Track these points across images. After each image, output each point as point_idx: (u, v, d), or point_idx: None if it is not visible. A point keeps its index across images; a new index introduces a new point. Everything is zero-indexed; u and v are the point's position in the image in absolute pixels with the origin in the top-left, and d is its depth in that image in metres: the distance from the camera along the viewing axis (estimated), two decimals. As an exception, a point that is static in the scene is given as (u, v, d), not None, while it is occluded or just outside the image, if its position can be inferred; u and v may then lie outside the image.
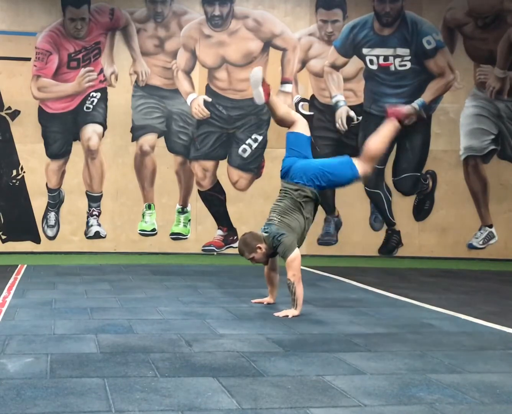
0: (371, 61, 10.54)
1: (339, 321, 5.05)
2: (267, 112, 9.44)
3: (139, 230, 10.39)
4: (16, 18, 10.18)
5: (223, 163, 10.52)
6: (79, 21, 10.20)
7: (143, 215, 10.42)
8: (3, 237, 10.15)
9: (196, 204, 10.48)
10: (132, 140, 10.40)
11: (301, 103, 10.52)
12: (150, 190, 10.44)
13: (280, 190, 5.46)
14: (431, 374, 3.61)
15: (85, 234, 10.32)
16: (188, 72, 10.43)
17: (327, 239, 10.58)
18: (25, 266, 8.32)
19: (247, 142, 10.51)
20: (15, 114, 10.14)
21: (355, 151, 10.42)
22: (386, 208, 10.62)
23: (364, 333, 4.64)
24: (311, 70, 10.57)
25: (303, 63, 10.55)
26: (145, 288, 6.65)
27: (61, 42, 10.19)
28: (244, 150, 10.51)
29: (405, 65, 10.54)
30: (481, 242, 10.63)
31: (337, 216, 10.61)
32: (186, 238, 10.48)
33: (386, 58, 10.53)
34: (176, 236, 10.45)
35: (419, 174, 10.66)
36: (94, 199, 10.34)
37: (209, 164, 10.51)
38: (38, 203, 10.21)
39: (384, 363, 3.83)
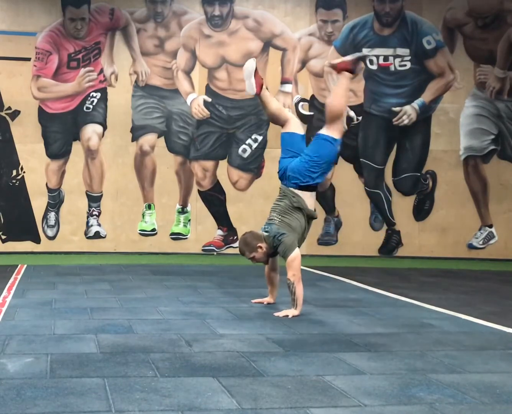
0: (371, 61, 10.53)
1: (339, 321, 5.05)
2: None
3: (139, 230, 10.40)
4: (16, 18, 10.18)
5: (223, 163, 10.52)
6: (79, 21, 10.20)
7: (143, 215, 10.42)
8: (3, 237, 10.15)
9: (196, 204, 10.48)
10: (132, 140, 10.40)
11: (301, 103, 10.52)
12: (150, 190, 10.44)
13: (280, 188, 5.46)
14: (431, 374, 3.61)
15: (85, 234, 10.32)
16: (188, 72, 10.43)
17: (327, 239, 10.58)
18: (25, 266, 8.32)
19: (247, 142, 10.51)
20: (15, 114, 10.14)
21: (355, 151, 10.62)
22: (386, 208, 10.62)
23: (364, 333, 4.64)
24: (311, 70, 10.57)
25: (303, 63, 10.55)
26: (145, 288, 6.65)
27: (61, 42, 10.19)
28: (244, 150, 10.52)
29: (405, 65, 10.54)
30: (481, 242, 10.63)
31: (337, 216, 10.61)
32: (186, 238, 10.48)
33: (386, 58, 10.53)
34: (176, 236, 10.45)
35: (419, 174, 10.66)
36: (94, 199, 10.34)
37: (209, 164, 10.51)
38: (38, 203, 10.21)
39: (384, 363, 3.83)
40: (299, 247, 5.28)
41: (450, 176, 10.64)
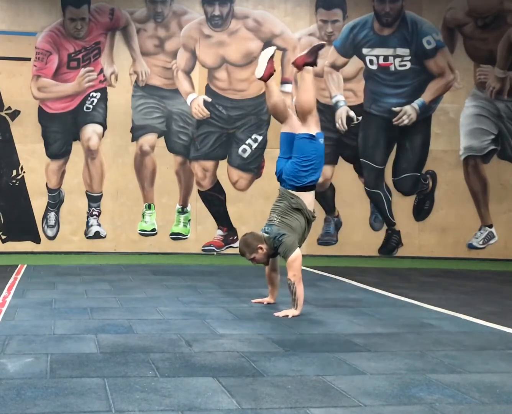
0: (371, 61, 10.53)
1: (339, 321, 5.05)
2: (267, 112, 9.45)
3: (139, 230, 10.39)
4: (16, 18, 10.18)
5: (223, 163, 10.52)
6: (79, 21, 10.20)
7: (143, 215, 10.42)
8: (3, 237, 10.15)
9: (196, 204, 10.48)
10: (132, 140, 10.40)
11: (301, 103, 10.50)
12: (150, 190, 10.44)
13: (279, 189, 5.47)
14: (431, 374, 3.61)
15: (85, 234, 10.32)
16: (188, 72, 10.43)
17: (327, 239, 10.58)
18: (25, 266, 8.32)
19: (247, 142, 10.51)
20: (15, 114, 10.14)
21: (355, 151, 10.61)
22: (386, 208, 10.61)
23: (364, 333, 4.64)
24: (311, 70, 10.55)
25: (303, 63, 10.53)
26: (145, 288, 6.65)
27: (61, 42, 10.19)
28: (244, 150, 10.51)
29: (405, 65, 10.53)
30: (481, 242, 10.63)
31: (337, 216, 10.61)
32: (186, 238, 10.48)
33: (386, 58, 10.52)
34: (176, 236, 10.45)
35: (419, 174, 10.66)
36: (94, 199, 10.34)
37: (209, 164, 10.51)
38: (38, 203, 10.20)
39: (384, 363, 3.82)
40: (299, 247, 5.29)
41: (450, 176, 10.64)
